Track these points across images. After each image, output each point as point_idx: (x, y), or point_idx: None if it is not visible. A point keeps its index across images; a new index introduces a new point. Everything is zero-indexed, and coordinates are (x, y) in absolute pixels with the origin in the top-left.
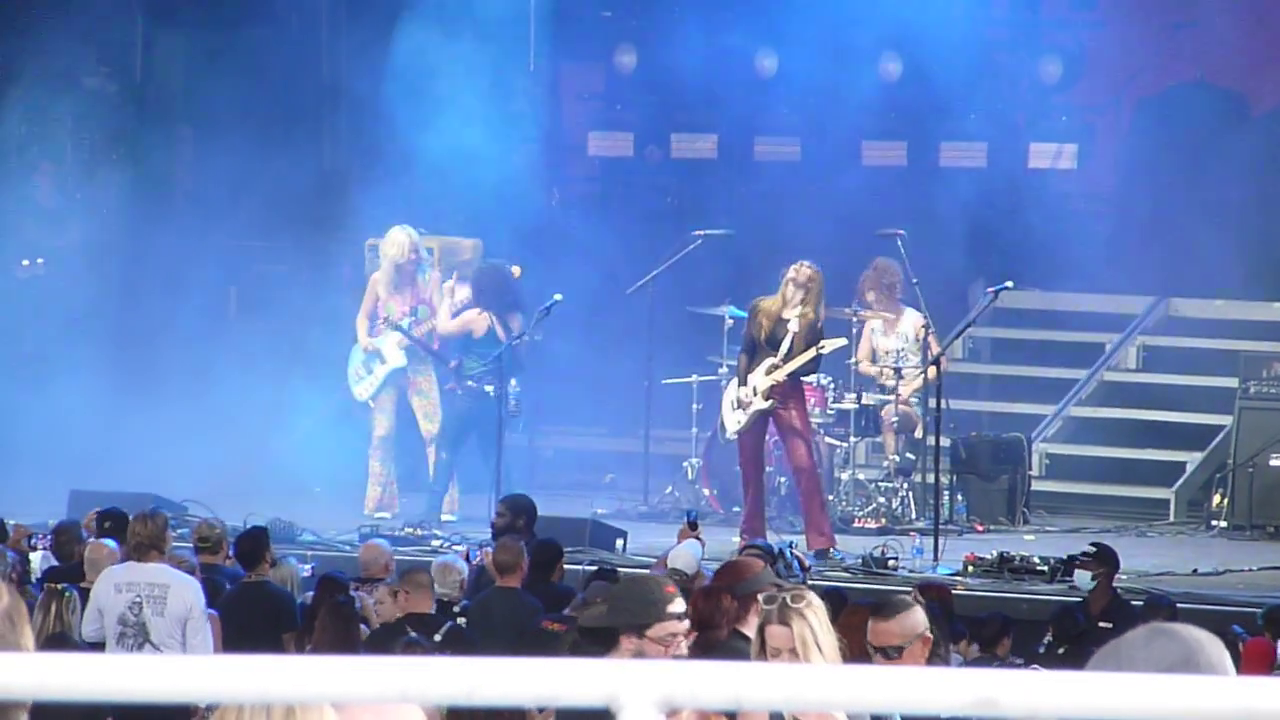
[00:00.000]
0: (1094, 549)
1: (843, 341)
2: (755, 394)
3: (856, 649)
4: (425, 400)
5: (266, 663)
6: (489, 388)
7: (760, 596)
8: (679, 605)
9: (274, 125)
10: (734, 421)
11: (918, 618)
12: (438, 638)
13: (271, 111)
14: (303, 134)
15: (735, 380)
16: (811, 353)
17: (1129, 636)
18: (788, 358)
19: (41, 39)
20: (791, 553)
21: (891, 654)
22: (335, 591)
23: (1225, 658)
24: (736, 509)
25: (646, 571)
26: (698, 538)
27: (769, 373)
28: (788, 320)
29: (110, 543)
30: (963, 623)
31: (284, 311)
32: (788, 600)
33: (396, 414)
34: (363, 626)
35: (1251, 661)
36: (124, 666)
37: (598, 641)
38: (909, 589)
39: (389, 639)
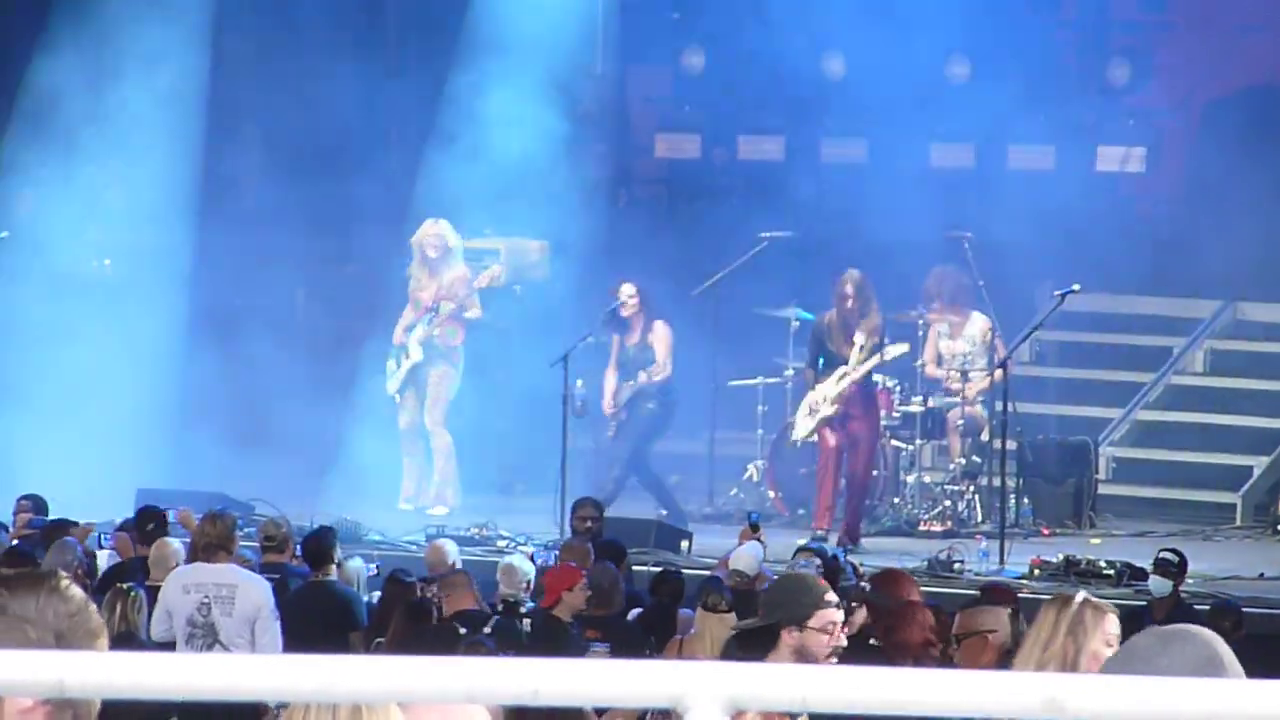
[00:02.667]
0: (1177, 557)
1: (905, 347)
2: (825, 400)
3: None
4: (431, 393)
5: (334, 662)
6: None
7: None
8: (832, 593)
9: (342, 126)
10: (803, 428)
11: (990, 618)
12: (486, 629)
13: (339, 113)
14: (370, 136)
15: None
16: (875, 359)
17: (1139, 642)
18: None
19: (114, 36)
20: (845, 559)
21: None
22: (402, 590)
23: (1233, 654)
24: (801, 511)
25: (803, 570)
26: (759, 539)
27: (839, 380)
28: (854, 333)
29: (175, 542)
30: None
31: (351, 310)
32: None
33: (420, 408)
34: None
35: None
36: (193, 665)
37: (755, 646)
38: (975, 592)
39: (441, 638)
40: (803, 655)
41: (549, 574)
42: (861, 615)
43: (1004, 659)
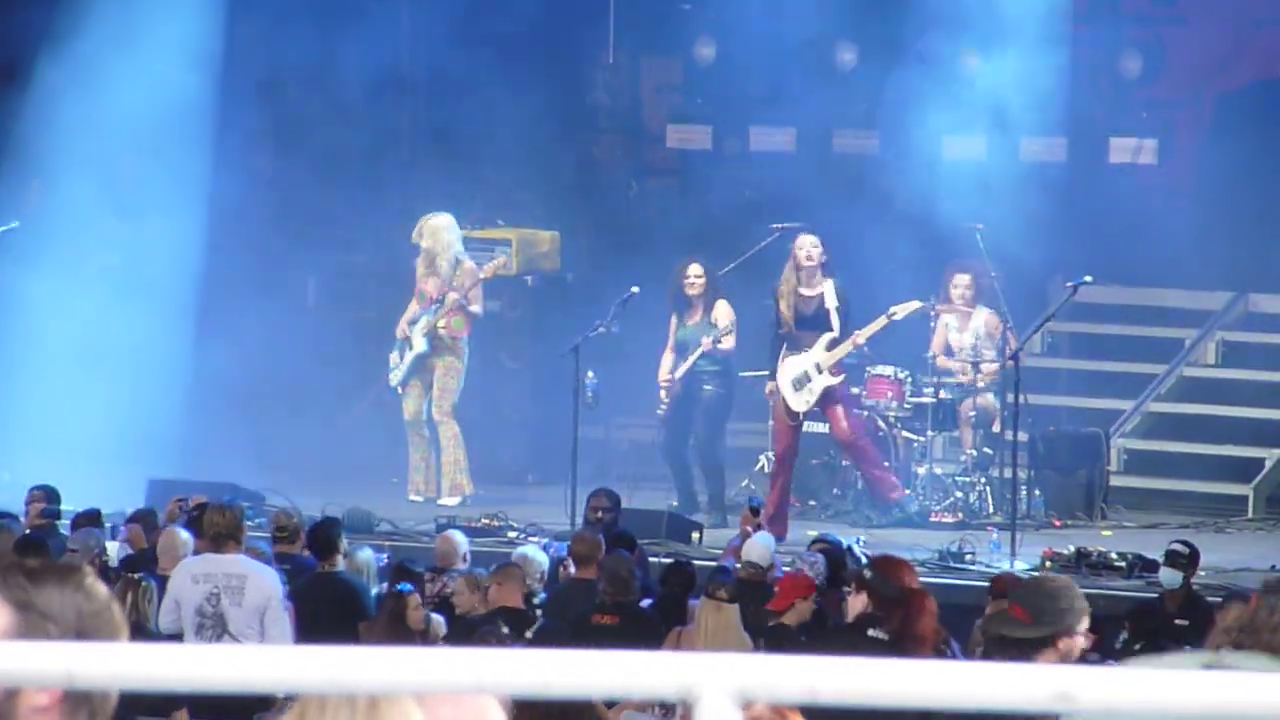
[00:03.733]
0: (1187, 549)
1: (917, 304)
2: (821, 370)
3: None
4: (438, 384)
5: (344, 652)
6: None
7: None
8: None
9: (354, 116)
10: (801, 402)
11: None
12: (529, 634)
13: (352, 105)
14: (381, 125)
15: (784, 362)
16: (883, 320)
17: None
18: (843, 329)
19: (121, 28)
20: (860, 550)
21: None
22: (404, 581)
23: None
24: (813, 502)
25: (1059, 576)
26: (759, 524)
27: (830, 348)
28: (818, 295)
29: (184, 531)
30: None
31: (363, 301)
32: None
33: (425, 399)
34: (437, 616)
35: None
36: (203, 656)
37: (1017, 651)
38: (986, 584)
39: (473, 629)
40: (1065, 659)
41: (786, 579)
42: (861, 601)
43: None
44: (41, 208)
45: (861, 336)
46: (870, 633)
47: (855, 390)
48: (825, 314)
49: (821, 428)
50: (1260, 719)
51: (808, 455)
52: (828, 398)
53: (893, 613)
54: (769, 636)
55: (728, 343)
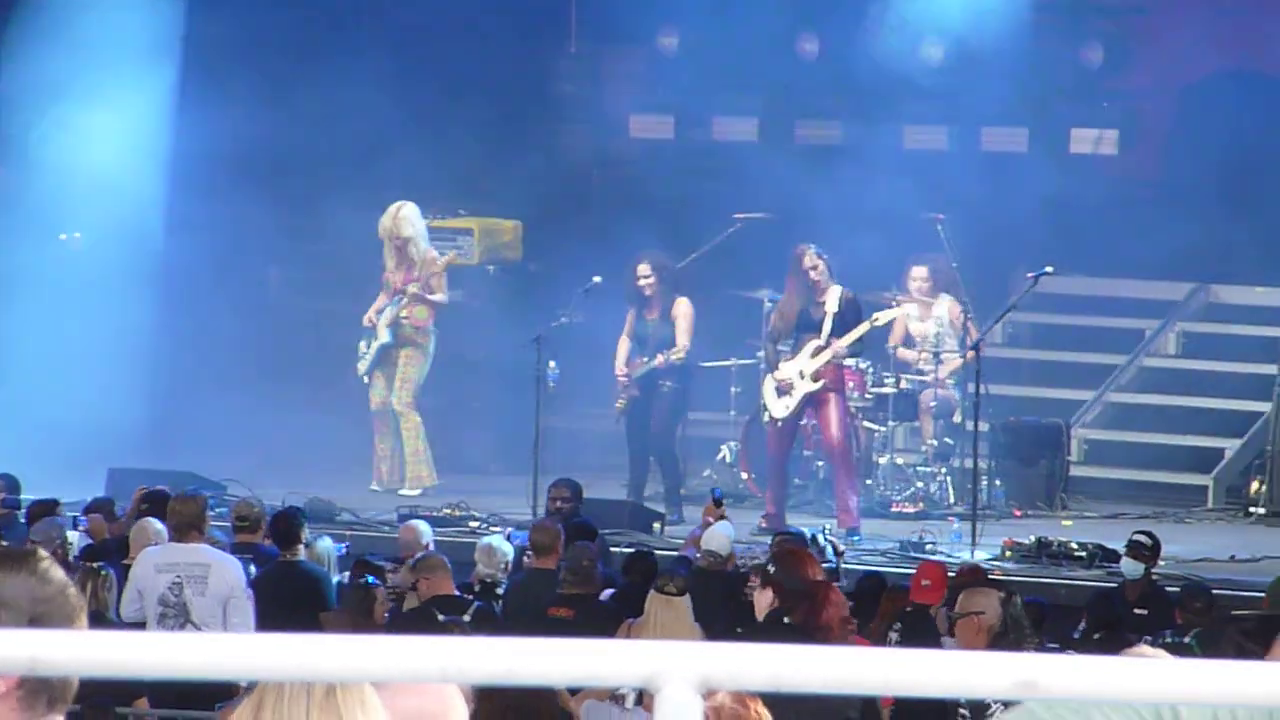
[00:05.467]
0: (1150, 540)
1: (897, 311)
2: (804, 377)
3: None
4: (400, 374)
5: (306, 641)
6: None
7: None
8: None
9: (318, 105)
10: (781, 408)
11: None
12: (466, 618)
13: (315, 94)
14: (344, 113)
15: (776, 368)
16: (865, 326)
17: None
18: (833, 337)
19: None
20: (826, 538)
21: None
22: (366, 573)
23: None
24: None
25: None
26: (723, 515)
27: (815, 355)
28: (823, 302)
29: (157, 522)
30: None
31: (326, 290)
32: None
33: (390, 389)
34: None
35: None
36: (166, 644)
37: (1260, 640)
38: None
39: (417, 623)
40: None
41: (924, 568)
42: (768, 597)
43: (993, 639)
44: (1, 191)
45: (843, 343)
46: (786, 620)
47: (855, 406)
48: (825, 317)
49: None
50: (1223, 704)
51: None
52: (819, 403)
53: (798, 605)
54: (905, 620)
55: (677, 357)
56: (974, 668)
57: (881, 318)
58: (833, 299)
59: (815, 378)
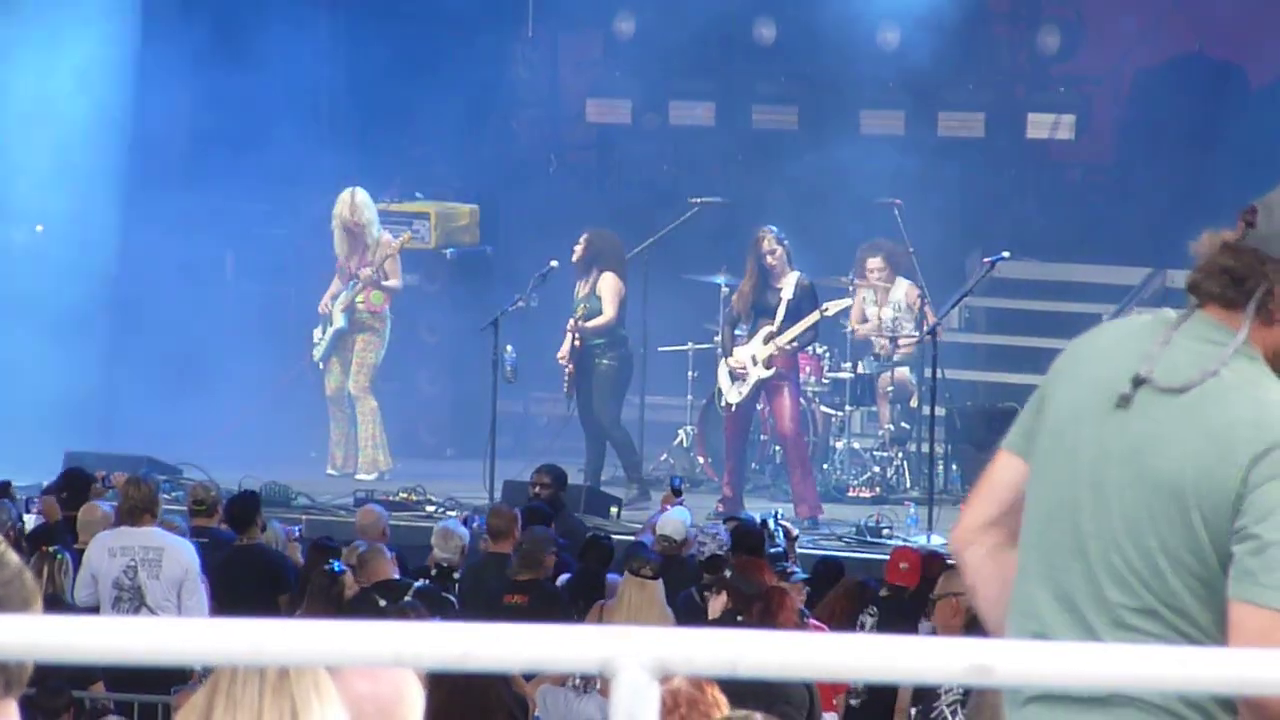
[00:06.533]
0: None
1: (847, 302)
2: (756, 363)
3: (849, 617)
4: (356, 359)
5: (262, 625)
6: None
7: None
8: None
9: (273, 90)
10: (735, 393)
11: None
12: (407, 599)
13: (271, 78)
14: (300, 98)
15: (731, 353)
16: (816, 315)
17: None
18: (786, 323)
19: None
20: (778, 522)
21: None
22: (325, 558)
23: None
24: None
25: None
26: (681, 504)
27: (767, 341)
28: (779, 288)
29: (104, 505)
30: None
31: (282, 275)
32: None
33: (346, 374)
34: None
35: None
36: (122, 628)
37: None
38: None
39: (360, 609)
40: None
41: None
42: (722, 601)
43: (969, 620)
44: None
45: (789, 335)
46: (740, 619)
47: (812, 390)
48: (780, 304)
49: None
50: (1174, 688)
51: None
52: (773, 390)
53: (751, 608)
54: (881, 604)
55: (600, 322)
56: (930, 652)
57: (831, 308)
58: (789, 285)
59: (767, 365)
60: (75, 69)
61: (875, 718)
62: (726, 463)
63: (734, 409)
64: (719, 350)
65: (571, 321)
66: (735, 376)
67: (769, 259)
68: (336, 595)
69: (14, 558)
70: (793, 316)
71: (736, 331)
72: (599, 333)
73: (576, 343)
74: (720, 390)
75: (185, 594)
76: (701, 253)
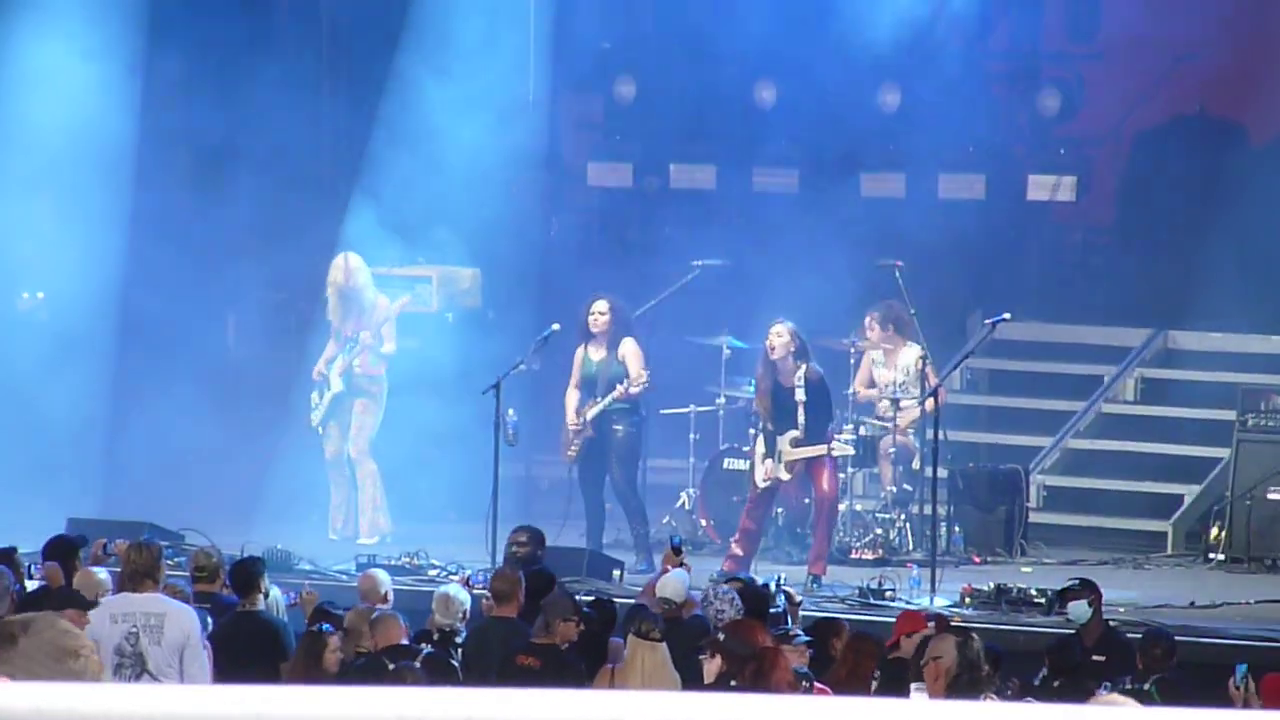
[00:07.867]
0: (1078, 581)
1: (850, 451)
2: (780, 463)
3: (862, 675)
4: (355, 422)
5: (263, 691)
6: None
7: None
8: None
9: (272, 152)
10: (760, 479)
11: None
12: (416, 663)
13: (270, 142)
14: (302, 160)
15: (761, 437)
16: (822, 449)
17: None
18: (808, 423)
19: (41, 60)
20: (779, 586)
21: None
22: (325, 621)
23: None
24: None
25: None
26: (682, 563)
27: (794, 444)
28: (791, 388)
29: (102, 571)
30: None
31: (284, 339)
32: None
33: (344, 438)
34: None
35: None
36: (125, 695)
37: None
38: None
39: (368, 673)
40: None
41: (900, 617)
42: (717, 664)
43: (950, 681)
44: None
45: (798, 455)
46: (734, 684)
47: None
48: (796, 406)
49: (741, 464)
50: None
51: (729, 492)
52: (813, 461)
53: (744, 669)
54: (885, 669)
55: (637, 387)
56: (897, 715)
57: (836, 450)
58: (800, 384)
59: (789, 468)
60: (72, 131)
61: None
62: (744, 523)
63: (761, 490)
64: (760, 447)
65: (619, 389)
66: (766, 475)
67: (771, 354)
68: (317, 655)
69: (88, 640)
70: (813, 414)
71: (768, 426)
72: (631, 397)
73: (618, 392)
74: (753, 482)
75: (187, 660)
76: (703, 315)
